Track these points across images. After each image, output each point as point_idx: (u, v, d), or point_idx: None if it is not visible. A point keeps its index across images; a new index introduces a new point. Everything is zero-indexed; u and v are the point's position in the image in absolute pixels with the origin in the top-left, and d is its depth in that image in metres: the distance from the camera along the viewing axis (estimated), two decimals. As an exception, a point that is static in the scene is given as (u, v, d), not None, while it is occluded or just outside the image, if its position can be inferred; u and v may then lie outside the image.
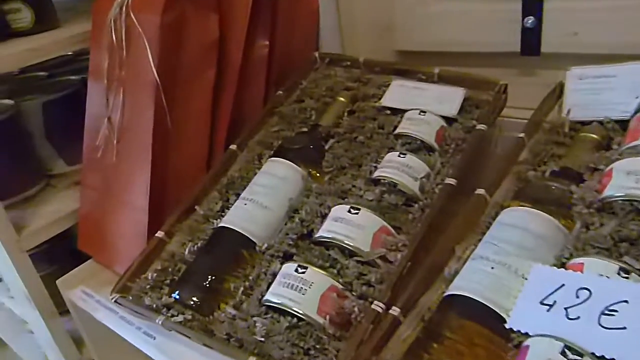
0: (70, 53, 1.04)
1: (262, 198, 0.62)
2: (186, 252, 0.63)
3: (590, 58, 0.63)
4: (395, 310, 0.48)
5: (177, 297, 0.57)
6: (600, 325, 0.39)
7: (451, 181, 0.58)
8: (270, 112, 0.75)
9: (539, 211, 0.49)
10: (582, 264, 0.43)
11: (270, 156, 0.67)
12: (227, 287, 0.57)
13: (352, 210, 0.56)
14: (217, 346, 0.52)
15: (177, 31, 0.68)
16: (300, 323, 0.50)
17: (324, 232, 0.56)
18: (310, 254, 0.56)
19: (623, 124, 0.56)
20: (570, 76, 0.62)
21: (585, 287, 0.41)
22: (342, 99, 0.72)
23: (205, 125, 0.74)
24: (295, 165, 0.64)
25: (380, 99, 0.71)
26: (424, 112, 0.66)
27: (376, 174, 0.62)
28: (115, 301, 0.60)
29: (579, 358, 0.38)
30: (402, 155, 0.61)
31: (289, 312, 0.50)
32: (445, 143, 0.64)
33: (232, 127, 0.75)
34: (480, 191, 0.54)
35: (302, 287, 0.51)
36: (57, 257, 0.89)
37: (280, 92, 0.76)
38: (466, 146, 0.62)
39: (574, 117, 0.60)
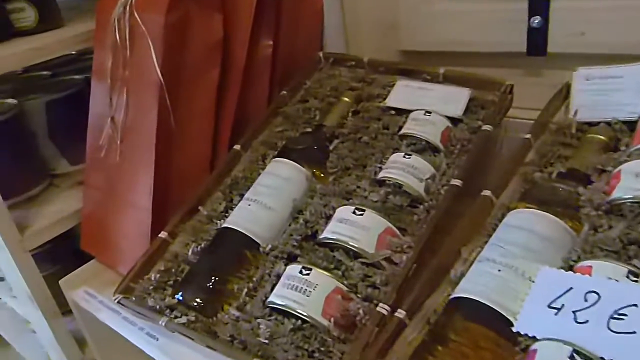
0: (73, 52, 1.04)
1: (266, 199, 0.61)
2: (189, 253, 0.62)
3: (597, 58, 0.63)
4: (400, 313, 0.47)
5: (181, 298, 0.57)
6: (609, 329, 0.38)
7: (457, 182, 0.58)
8: (274, 112, 0.75)
9: (545, 213, 0.48)
10: (591, 266, 0.43)
11: (274, 156, 0.67)
12: (231, 289, 0.57)
13: (356, 211, 0.56)
14: (220, 348, 0.51)
15: (181, 31, 0.68)
16: (304, 325, 0.50)
17: (328, 233, 0.56)
18: (315, 256, 0.55)
19: (631, 125, 0.56)
20: (577, 77, 0.62)
21: (594, 290, 0.41)
22: (346, 99, 0.72)
23: (209, 125, 0.73)
24: (299, 166, 0.64)
25: (384, 99, 0.71)
26: (429, 112, 0.65)
27: (381, 174, 0.61)
28: (118, 302, 0.59)
29: (588, 363, 0.37)
30: (407, 156, 0.61)
31: (293, 314, 0.50)
32: (451, 144, 0.64)
33: (236, 127, 0.75)
34: (487, 192, 0.54)
35: (306, 289, 0.51)
36: (60, 257, 0.89)
37: (285, 92, 0.76)
38: (472, 147, 0.62)
39: (580, 118, 0.59)
